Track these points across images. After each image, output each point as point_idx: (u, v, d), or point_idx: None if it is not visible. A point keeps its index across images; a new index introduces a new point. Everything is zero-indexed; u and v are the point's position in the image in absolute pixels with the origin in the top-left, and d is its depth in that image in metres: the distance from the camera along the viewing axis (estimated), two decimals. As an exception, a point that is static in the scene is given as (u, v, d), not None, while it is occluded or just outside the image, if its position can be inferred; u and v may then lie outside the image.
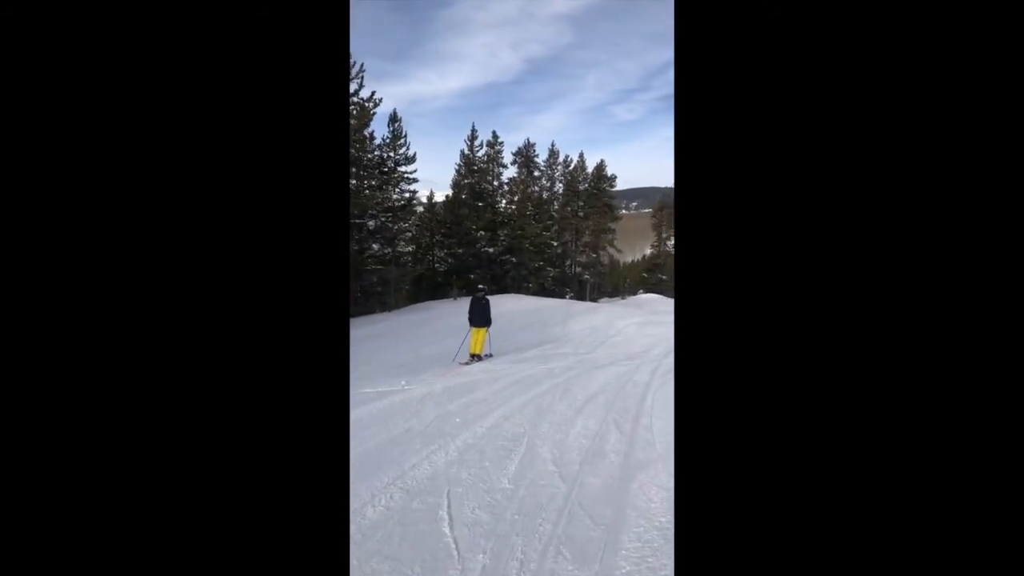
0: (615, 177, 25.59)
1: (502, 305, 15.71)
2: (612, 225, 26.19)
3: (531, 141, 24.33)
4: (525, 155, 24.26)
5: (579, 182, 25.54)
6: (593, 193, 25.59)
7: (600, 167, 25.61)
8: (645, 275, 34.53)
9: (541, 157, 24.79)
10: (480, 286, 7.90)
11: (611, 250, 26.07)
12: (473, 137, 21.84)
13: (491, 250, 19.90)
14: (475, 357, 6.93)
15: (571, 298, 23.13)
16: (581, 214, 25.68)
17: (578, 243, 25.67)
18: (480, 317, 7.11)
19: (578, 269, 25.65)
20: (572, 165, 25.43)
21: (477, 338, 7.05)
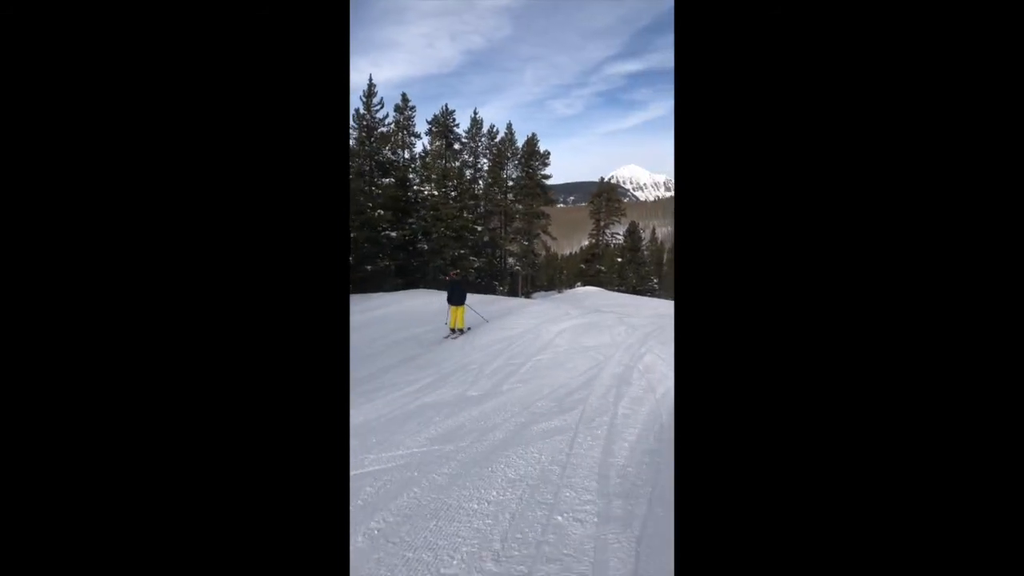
0: (548, 154, 22.40)
1: (394, 305, 11.84)
2: (546, 209, 22.98)
3: (450, 108, 20.42)
4: (443, 124, 20.29)
5: (507, 158, 22.02)
6: (525, 171, 22.18)
7: (531, 142, 22.25)
8: (583, 266, 32.01)
9: (462, 127, 21.00)
10: (454, 271, 8.92)
11: (545, 237, 22.87)
12: (370, 93, 17.48)
13: (394, 234, 15.82)
14: (455, 331, 7.70)
15: (502, 293, 19.66)
16: (511, 196, 22.21)
17: (508, 229, 22.21)
18: (456, 297, 7.81)
19: (509, 260, 22.22)
20: (498, 137, 21.88)
21: (456, 315, 7.77)
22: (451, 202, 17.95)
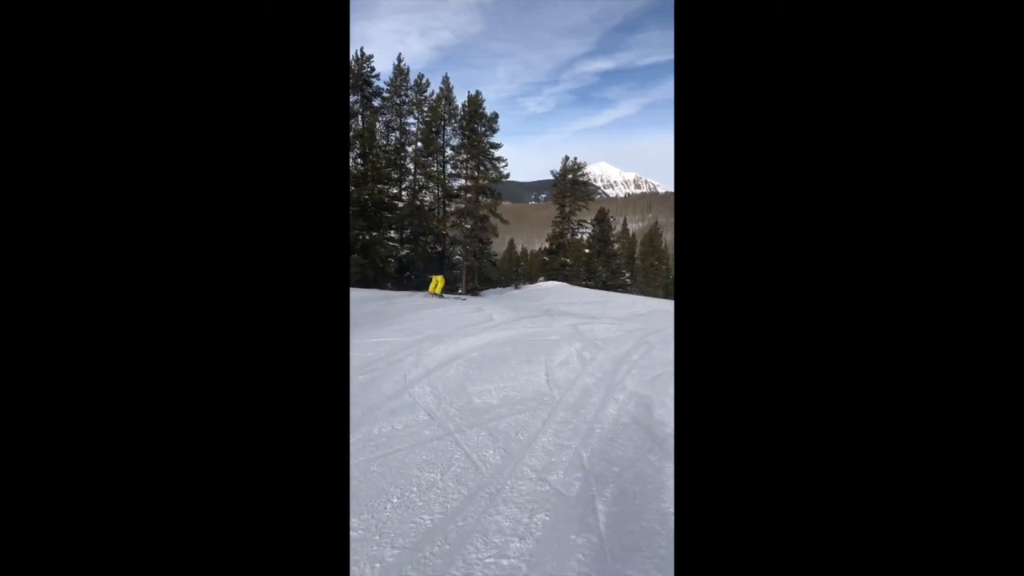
0: (497, 117, 18.18)
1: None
2: (495, 187, 18.70)
3: (367, 53, 15.90)
4: (356, 73, 15.76)
5: (444, 120, 17.67)
6: (467, 137, 17.85)
7: (475, 100, 17.95)
8: (545, 259, 28.00)
9: (383, 78, 16.51)
10: (436, 245, 11.08)
11: (494, 220, 18.61)
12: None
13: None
14: (435, 295, 8.85)
15: (459, 295, 15.28)
16: (451, 167, 17.88)
17: (446, 209, 17.86)
18: (435, 267, 9.76)
19: (451, 248, 17.88)
20: (431, 93, 17.51)
21: (435, 282, 9.11)
22: (358, 168, 13.45)
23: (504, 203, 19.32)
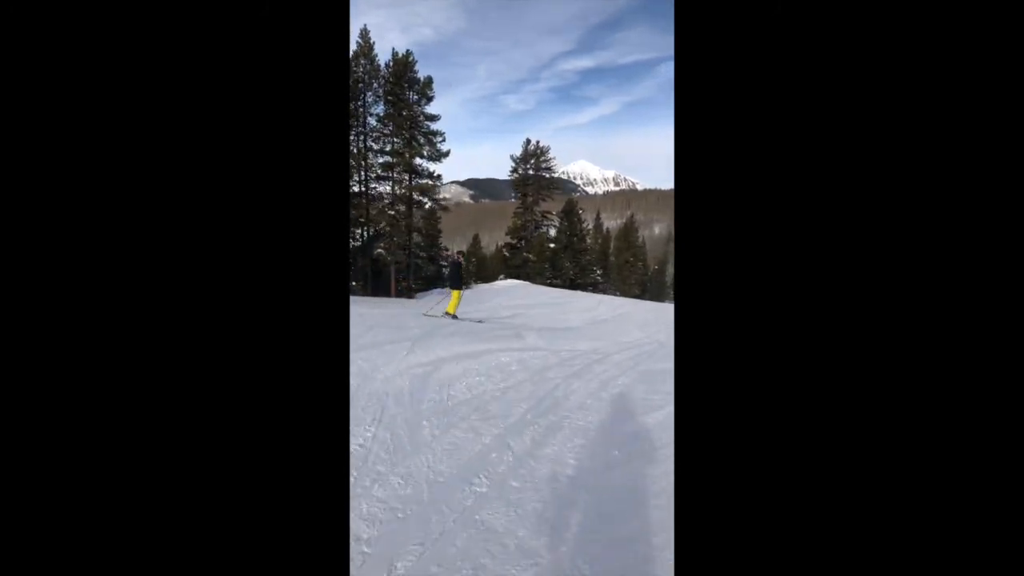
0: (431, 82, 15.07)
1: None
2: (432, 167, 15.47)
3: (260, -6, 12.62)
4: (246, 18, 12.41)
5: (363, 82, 14.41)
6: (393, 105, 14.60)
7: (402, 62, 14.76)
8: (506, 254, 25.01)
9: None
10: (457, 252, 8.51)
11: (430, 204, 15.44)
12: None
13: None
14: (448, 315, 7.06)
15: (360, 291, 12.08)
16: (374, 143, 14.63)
17: (368, 195, 14.60)
18: (453, 281, 7.52)
19: (377, 240, 14.61)
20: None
21: (454, 298, 7.36)
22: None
23: (484, 200, 16.08)
